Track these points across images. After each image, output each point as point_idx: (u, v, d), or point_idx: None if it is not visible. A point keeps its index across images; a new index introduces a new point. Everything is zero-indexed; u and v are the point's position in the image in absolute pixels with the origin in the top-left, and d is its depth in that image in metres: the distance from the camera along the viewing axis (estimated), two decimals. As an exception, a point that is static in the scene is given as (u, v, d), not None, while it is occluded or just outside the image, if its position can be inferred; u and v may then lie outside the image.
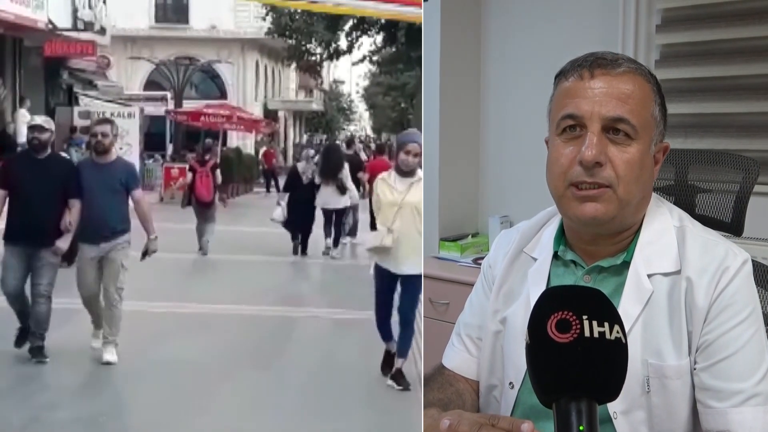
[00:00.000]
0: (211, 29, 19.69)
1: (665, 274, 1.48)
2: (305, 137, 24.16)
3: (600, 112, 1.43)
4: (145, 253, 4.96)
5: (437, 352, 1.79)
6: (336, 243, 8.89)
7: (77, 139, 12.88)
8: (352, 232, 9.42)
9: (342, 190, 8.64)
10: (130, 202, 4.98)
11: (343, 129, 23.89)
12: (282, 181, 11.72)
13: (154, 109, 16.51)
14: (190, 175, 9.37)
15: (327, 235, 8.87)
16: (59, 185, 4.74)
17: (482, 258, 1.83)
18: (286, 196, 9.10)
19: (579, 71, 1.49)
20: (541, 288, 1.56)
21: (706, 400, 1.43)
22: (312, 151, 9.50)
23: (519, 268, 1.68)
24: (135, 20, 18.55)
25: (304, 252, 8.98)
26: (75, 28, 13.33)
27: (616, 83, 1.46)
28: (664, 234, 1.52)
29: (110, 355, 4.83)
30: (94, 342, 5.02)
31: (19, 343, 4.94)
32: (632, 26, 3.91)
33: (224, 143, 14.78)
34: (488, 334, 1.67)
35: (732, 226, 1.75)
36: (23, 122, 12.93)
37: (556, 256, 1.62)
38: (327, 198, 8.73)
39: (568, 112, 1.47)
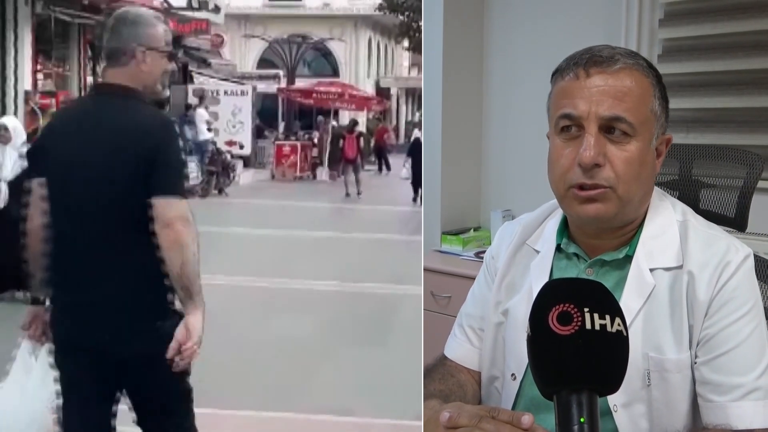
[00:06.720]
0: (323, 6, 19.70)
1: (667, 269, 1.50)
2: (417, 115, 24.00)
3: (597, 112, 1.43)
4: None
5: (438, 345, 1.81)
6: None
7: (191, 116, 13.10)
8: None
9: None
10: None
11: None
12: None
13: (266, 87, 16.66)
14: (341, 141, 13.74)
15: None
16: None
17: (484, 252, 1.86)
18: (409, 159, 12.20)
19: (575, 70, 1.47)
20: (544, 280, 1.55)
21: (706, 393, 1.44)
22: (427, 124, 13.07)
23: (521, 260, 1.69)
24: (249, -2, 18.76)
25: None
26: (190, 7, 13.52)
27: (612, 81, 1.45)
28: (667, 229, 1.53)
29: None
30: None
31: None
32: (635, 21, 3.94)
33: (336, 121, 14.74)
34: (490, 326, 1.68)
35: (736, 222, 1.77)
36: (202, 121, 13.25)
37: (558, 248, 1.62)
38: None
39: (565, 112, 1.46)
